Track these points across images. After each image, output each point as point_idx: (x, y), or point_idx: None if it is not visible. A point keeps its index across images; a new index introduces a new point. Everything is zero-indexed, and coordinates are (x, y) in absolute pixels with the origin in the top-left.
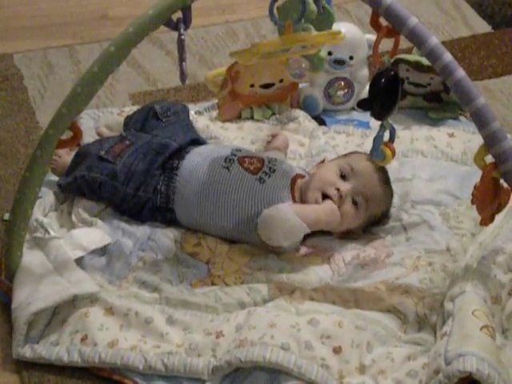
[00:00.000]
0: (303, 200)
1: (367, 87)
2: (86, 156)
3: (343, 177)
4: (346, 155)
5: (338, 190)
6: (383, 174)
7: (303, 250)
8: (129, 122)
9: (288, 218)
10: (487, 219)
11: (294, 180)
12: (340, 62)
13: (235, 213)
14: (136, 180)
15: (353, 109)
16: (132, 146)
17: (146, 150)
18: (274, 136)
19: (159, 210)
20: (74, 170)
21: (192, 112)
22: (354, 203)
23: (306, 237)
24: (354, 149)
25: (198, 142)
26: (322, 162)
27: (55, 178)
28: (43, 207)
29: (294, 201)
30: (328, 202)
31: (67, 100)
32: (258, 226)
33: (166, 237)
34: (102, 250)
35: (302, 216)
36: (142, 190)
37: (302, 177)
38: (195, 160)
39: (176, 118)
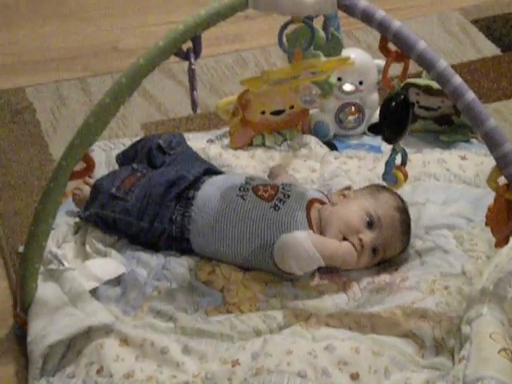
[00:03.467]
0: (321, 230)
1: (378, 112)
2: (100, 191)
3: (369, 224)
4: (375, 194)
5: (360, 240)
6: (407, 226)
7: (318, 276)
8: (122, 158)
9: (305, 248)
10: (502, 241)
11: (310, 203)
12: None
13: (251, 241)
14: (150, 212)
15: (364, 133)
16: (143, 178)
17: (159, 182)
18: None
19: (175, 240)
20: (91, 204)
21: (204, 140)
22: (373, 252)
23: None
24: (366, 174)
25: (211, 171)
26: (347, 189)
27: (68, 209)
28: (56, 239)
29: (310, 224)
30: (348, 245)
31: (80, 131)
32: (274, 250)
33: (180, 265)
34: (117, 281)
35: (320, 248)
36: (158, 221)
37: (319, 201)
38: (210, 190)
39: (181, 148)
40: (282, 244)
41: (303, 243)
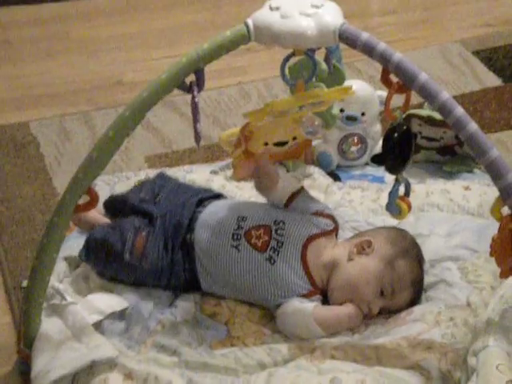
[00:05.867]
0: (327, 285)
1: (380, 142)
2: (110, 254)
3: (381, 294)
4: (393, 262)
5: (370, 308)
6: (419, 295)
7: None
8: (110, 206)
9: (307, 325)
10: (507, 271)
11: (305, 248)
12: (352, 119)
13: (252, 291)
14: (165, 274)
15: (367, 164)
16: (150, 237)
17: (163, 238)
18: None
19: (186, 283)
20: (100, 264)
21: (207, 172)
22: (380, 312)
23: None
24: (369, 204)
25: (201, 200)
26: (368, 243)
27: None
28: (57, 274)
29: (308, 272)
30: (354, 310)
31: (83, 165)
32: (276, 314)
33: (185, 299)
34: (120, 315)
35: (323, 324)
36: (174, 278)
37: (317, 235)
38: (205, 235)
39: (165, 188)
40: (283, 317)
41: (305, 321)
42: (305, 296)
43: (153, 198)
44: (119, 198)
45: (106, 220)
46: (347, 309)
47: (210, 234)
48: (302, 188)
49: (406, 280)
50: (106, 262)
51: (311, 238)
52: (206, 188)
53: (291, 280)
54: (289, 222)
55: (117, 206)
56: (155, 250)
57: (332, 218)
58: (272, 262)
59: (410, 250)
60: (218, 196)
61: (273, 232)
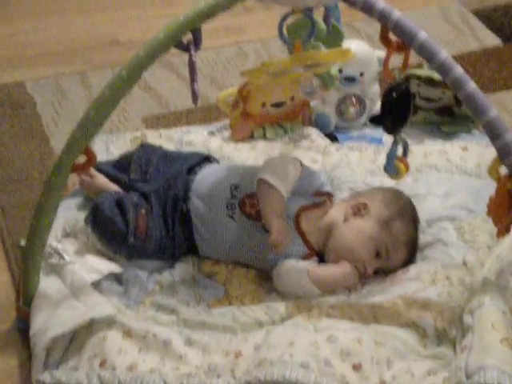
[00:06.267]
0: (323, 241)
1: (379, 103)
2: (114, 234)
3: (376, 255)
4: (388, 224)
5: (365, 268)
6: (414, 254)
7: None
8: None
9: (302, 284)
10: (503, 231)
11: (298, 216)
12: (351, 79)
13: (250, 257)
14: (168, 249)
15: (365, 125)
16: (150, 215)
17: (162, 214)
18: None
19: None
20: (103, 241)
21: (205, 133)
22: (375, 272)
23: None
24: (367, 165)
25: (192, 167)
26: (364, 205)
27: (67, 203)
28: (55, 233)
29: (304, 238)
30: (348, 268)
31: (80, 125)
32: (272, 275)
33: (184, 260)
34: (119, 277)
35: (319, 283)
36: (176, 253)
37: (308, 207)
38: (199, 205)
39: (153, 162)
40: (278, 277)
41: (300, 279)
42: (302, 258)
43: (142, 176)
44: (109, 176)
45: (113, 186)
46: (343, 267)
47: (205, 203)
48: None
49: (401, 241)
50: (109, 239)
51: (303, 208)
52: (194, 152)
53: (288, 248)
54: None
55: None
56: (157, 229)
57: (327, 194)
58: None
59: (405, 212)
60: (206, 158)
61: None
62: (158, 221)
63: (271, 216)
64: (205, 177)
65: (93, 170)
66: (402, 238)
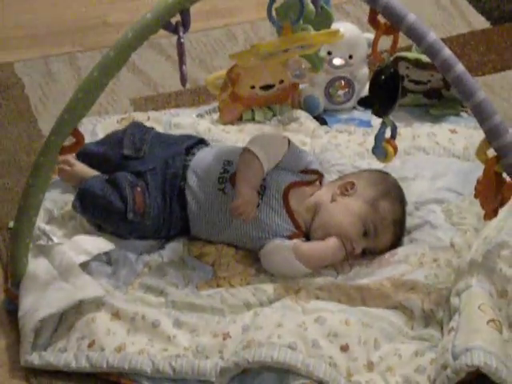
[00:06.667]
0: (311, 219)
1: (367, 86)
2: (111, 212)
3: (364, 234)
4: (376, 203)
5: (353, 247)
6: (401, 235)
7: None
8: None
9: (288, 261)
10: (491, 213)
11: (286, 192)
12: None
13: (238, 235)
14: (165, 226)
15: (354, 108)
16: (146, 193)
17: (160, 191)
18: None
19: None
20: (99, 220)
21: (193, 115)
22: (362, 252)
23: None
24: (355, 148)
25: (188, 148)
26: (351, 185)
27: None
28: (44, 215)
29: (292, 217)
30: (336, 243)
31: (68, 106)
32: (260, 255)
33: (174, 241)
34: (108, 258)
35: (305, 259)
36: (171, 231)
37: (296, 184)
38: (195, 181)
39: (148, 142)
40: (266, 256)
41: (286, 257)
42: (289, 237)
43: (136, 152)
44: (97, 155)
45: (95, 172)
46: (329, 242)
47: (198, 178)
48: (289, 144)
49: (389, 220)
50: (105, 218)
51: (292, 185)
52: (188, 134)
53: (275, 222)
54: (272, 171)
55: (93, 162)
56: (155, 206)
57: (316, 172)
58: (257, 205)
59: (392, 191)
60: (201, 141)
61: None
62: (155, 198)
63: (243, 185)
64: (202, 156)
65: (72, 159)
66: (389, 217)
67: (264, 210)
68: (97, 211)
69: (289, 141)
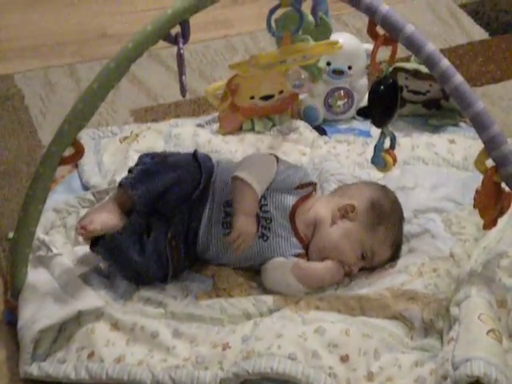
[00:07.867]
0: (310, 241)
1: (367, 96)
2: (147, 276)
3: (362, 257)
4: (375, 226)
5: (351, 269)
6: (398, 254)
7: None
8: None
9: (286, 280)
10: (490, 223)
11: (292, 217)
12: (339, 72)
13: (251, 264)
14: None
15: (353, 118)
16: (181, 244)
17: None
18: None
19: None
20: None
21: (193, 126)
22: (361, 269)
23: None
24: (355, 158)
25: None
26: (352, 208)
27: (55, 196)
28: (43, 225)
29: (299, 237)
30: (336, 265)
31: (68, 117)
32: (260, 272)
33: None
34: (107, 269)
35: (303, 279)
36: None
37: (298, 203)
38: (203, 231)
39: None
40: (265, 273)
41: (285, 276)
42: (295, 256)
43: (195, 186)
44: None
45: (116, 221)
46: (328, 264)
47: (205, 223)
48: (278, 161)
49: (387, 243)
50: (136, 278)
51: (295, 207)
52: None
53: (287, 250)
54: (270, 196)
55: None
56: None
57: (311, 183)
58: (265, 238)
59: (392, 215)
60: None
61: (259, 211)
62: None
63: (238, 216)
64: (203, 204)
65: (87, 221)
66: (388, 241)
67: (275, 241)
68: (130, 272)
69: (277, 158)
